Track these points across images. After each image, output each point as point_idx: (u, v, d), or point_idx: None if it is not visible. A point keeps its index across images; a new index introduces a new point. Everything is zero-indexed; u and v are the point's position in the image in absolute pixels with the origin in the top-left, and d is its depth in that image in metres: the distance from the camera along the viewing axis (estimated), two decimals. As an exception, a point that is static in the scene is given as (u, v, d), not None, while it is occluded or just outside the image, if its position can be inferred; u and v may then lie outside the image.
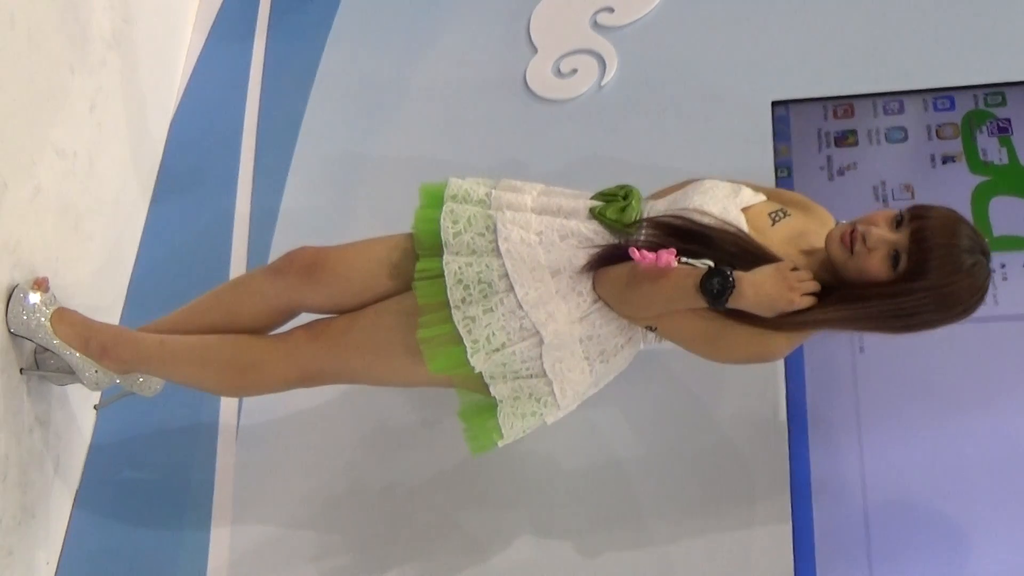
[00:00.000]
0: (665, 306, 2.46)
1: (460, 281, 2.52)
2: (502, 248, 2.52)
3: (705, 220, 2.49)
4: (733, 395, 2.98)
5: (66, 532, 3.04)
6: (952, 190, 3.29)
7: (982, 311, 2.43)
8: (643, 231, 2.54)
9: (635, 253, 2.35)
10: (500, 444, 2.62)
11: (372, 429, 3.17)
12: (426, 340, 2.54)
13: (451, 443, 2.67)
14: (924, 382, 2.96)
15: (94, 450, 3.18)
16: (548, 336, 2.50)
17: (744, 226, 2.50)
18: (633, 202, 2.58)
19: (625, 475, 3.00)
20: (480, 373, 2.55)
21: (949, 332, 2.45)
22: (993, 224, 3.20)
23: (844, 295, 2.41)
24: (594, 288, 2.53)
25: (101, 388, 2.84)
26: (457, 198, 2.62)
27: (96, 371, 2.79)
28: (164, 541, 3.04)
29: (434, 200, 2.64)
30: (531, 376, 2.57)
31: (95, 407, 3.12)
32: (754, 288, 2.32)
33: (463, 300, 2.52)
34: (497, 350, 2.51)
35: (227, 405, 3.21)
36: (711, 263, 2.37)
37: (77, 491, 3.11)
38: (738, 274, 2.33)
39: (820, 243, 2.51)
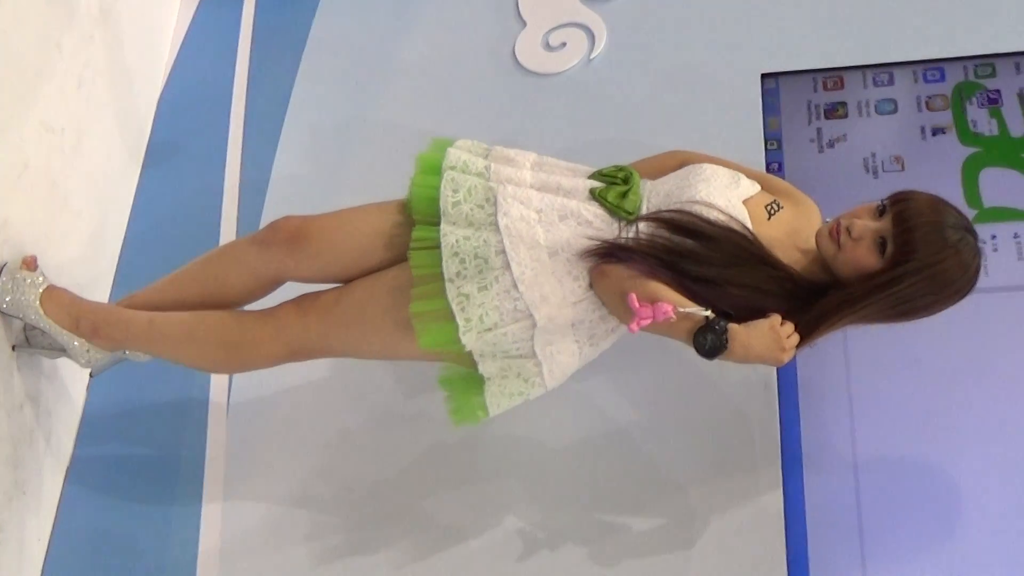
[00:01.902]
0: (657, 333, 2.47)
1: (456, 254, 2.50)
2: (501, 223, 2.50)
3: (712, 215, 2.49)
4: (723, 366, 2.98)
5: (57, 508, 3.04)
6: (942, 161, 3.30)
7: (972, 283, 2.45)
8: (643, 224, 2.53)
9: (633, 303, 2.34)
10: (483, 419, 2.63)
11: (364, 405, 3.16)
12: (418, 315, 2.53)
13: (444, 420, 2.66)
14: (915, 352, 2.96)
15: (85, 426, 3.17)
16: (541, 320, 2.49)
17: (748, 221, 2.52)
18: (634, 187, 2.59)
19: (614, 448, 3.00)
20: (470, 352, 2.55)
21: (940, 303, 2.47)
22: (984, 195, 3.20)
23: (839, 301, 2.45)
24: (590, 282, 2.52)
25: (93, 366, 2.83)
26: (456, 168, 2.60)
27: (88, 350, 2.78)
28: (156, 516, 3.03)
29: (432, 168, 2.62)
30: (520, 356, 2.56)
31: (90, 373, 3.11)
32: (744, 349, 2.36)
33: (458, 274, 2.49)
34: (489, 330, 2.50)
35: (217, 380, 3.21)
36: (710, 313, 2.38)
37: (68, 467, 3.10)
38: (732, 331, 2.35)
39: (812, 240, 2.55)
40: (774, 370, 2.99)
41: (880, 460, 2.86)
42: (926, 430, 2.88)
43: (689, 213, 2.50)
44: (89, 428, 3.17)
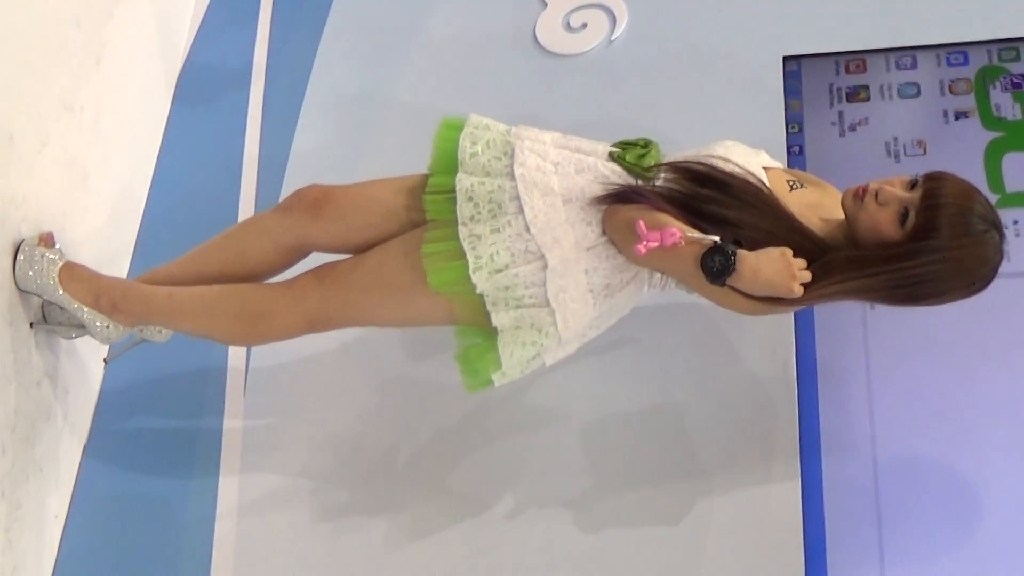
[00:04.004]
0: (665, 267, 2.49)
1: (470, 199, 2.53)
2: (517, 172, 2.53)
3: (728, 167, 2.50)
4: (742, 349, 2.98)
5: (75, 485, 3.05)
6: (965, 146, 3.27)
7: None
8: (662, 175, 2.56)
9: (640, 227, 2.27)
10: (497, 381, 2.62)
11: (380, 377, 3.18)
12: (429, 255, 2.55)
13: (461, 392, 2.66)
14: (935, 338, 2.94)
15: (102, 402, 3.18)
16: (553, 260, 2.50)
17: (766, 181, 2.52)
18: (653, 150, 2.60)
19: (630, 430, 2.99)
20: (482, 300, 2.55)
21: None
22: (1006, 180, 3.18)
23: (848, 258, 2.41)
24: (602, 225, 2.53)
25: (112, 342, 2.86)
26: (479, 127, 2.63)
27: (108, 326, 2.79)
28: (173, 491, 3.05)
29: (454, 126, 2.65)
30: (534, 305, 2.56)
31: (104, 360, 3.12)
32: (753, 272, 2.26)
33: (471, 218, 2.53)
34: (500, 271, 2.51)
35: (235, 354, 3.22)
36: (717, 238, 2.32)
37: (86, 444, 3.12)
38: (741, 254, 2.27)
39: (836, 213, 2.52)
40: (793, 353, 2.98)
41: (899, 446, 2.85)
42: (946, 416, 2.86)
43: (706, 164, 2.52)
44: (107, 403, 3.19)
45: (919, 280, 2.37)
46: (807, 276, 2.30)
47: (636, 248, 2.27)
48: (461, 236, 2.53)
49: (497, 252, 2.50)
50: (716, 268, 2.27)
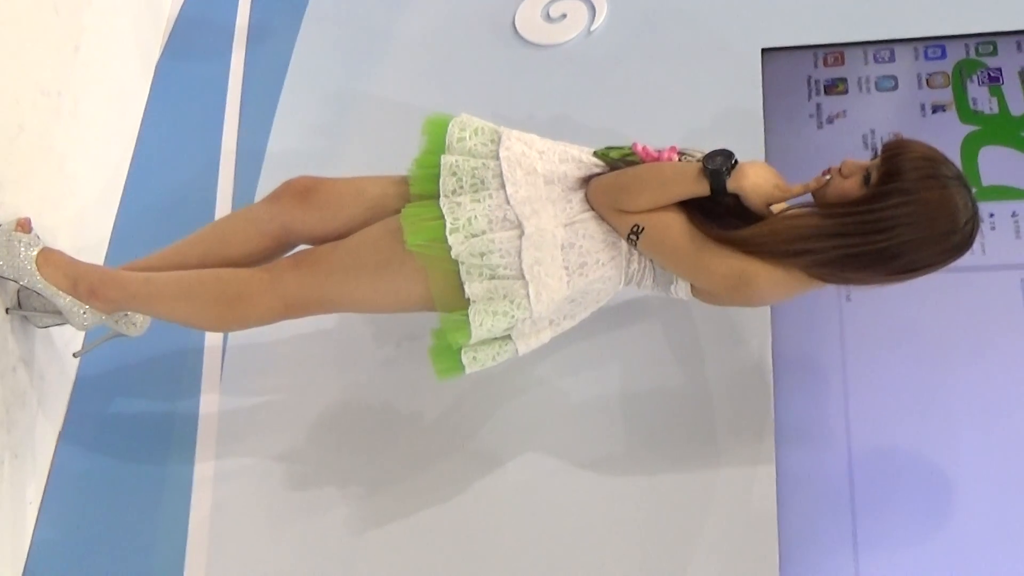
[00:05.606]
0: (661, 191, 2.49)
1: (454, 173, 2.59)
2: (502, 155, 2.58)
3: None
4: (719, 340, 2.98)
5: (50, 471, 3.04)
6: (942, 139, 3.21)
7: (969, 260, 2.40)
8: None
9: (637, 147, 2.45)
10: (468, 367, 2.62)
11: (359, 357, 3.18)
12: (408, 216, 2.59)
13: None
14: (910, 331, 2.96)
15: (78, 388, 3.18)
16: (529, 228, 2.53)
17: None
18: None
19: (607, 418, 2.99)
20: (457, 270, 2.56)
21: (936, 280, 2.43)
22: (982, 174, 3.19)
23: (821, 208, 2.43)
24: (587, 197, 2.59)
25: (89, 328, 2.84)
26: (468, 119, 2.68)
27: (84, 312, 2.78)
28: (150, 475, 3.04)
29: (445, 117, 2.69)
30: (508, 277, 2.56)
31: (74, 355, 3.11)
32: (752, 178, 2.41)
33: (453, 191, 2.58)
34: (476, 235, 2.54)
35: (212, 339, 3.22)
36: (705, 150, 2.46)
37: (61, 430, 3.11)
38: (739, 163, 2.42)
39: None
40: (769, 345, 2.99)
41: (873, 436, 2.86)
42: (920, 407, 2.88)
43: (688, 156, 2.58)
44: (83, 388, 3.18)
45: (890, 225, 2.31)
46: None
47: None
48: (442, 204, 2.57)
49: (475, 217, 2.54)
50: (719, 165, 2.41)
